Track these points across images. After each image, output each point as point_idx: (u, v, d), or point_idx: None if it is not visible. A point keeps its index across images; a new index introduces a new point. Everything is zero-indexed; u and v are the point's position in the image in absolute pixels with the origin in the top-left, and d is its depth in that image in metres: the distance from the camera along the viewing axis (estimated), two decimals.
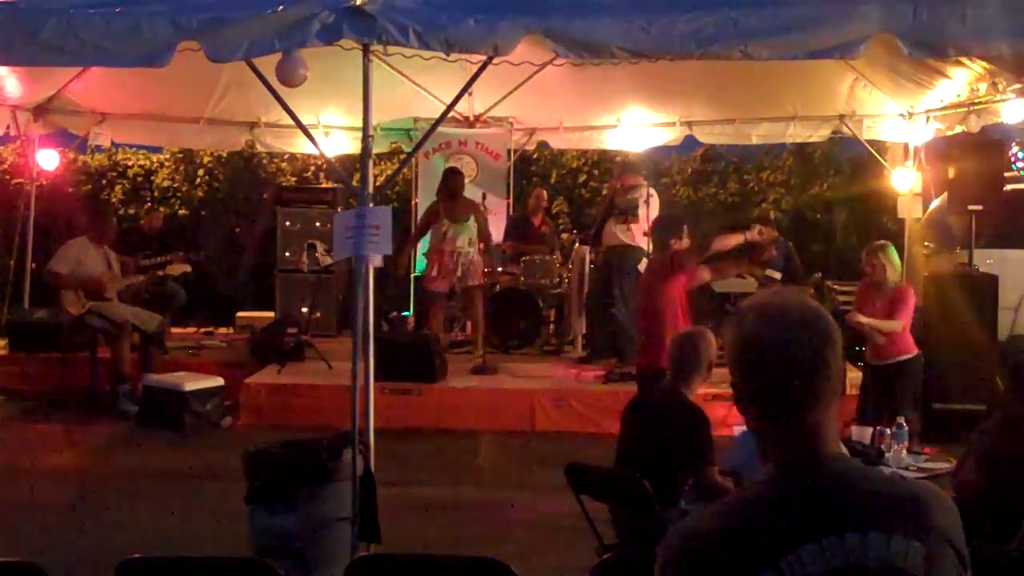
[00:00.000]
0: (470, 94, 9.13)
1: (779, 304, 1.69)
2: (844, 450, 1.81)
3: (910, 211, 10.35)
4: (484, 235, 9.23)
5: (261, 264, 12.16)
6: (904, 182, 10.31)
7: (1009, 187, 8.82)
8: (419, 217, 11.20)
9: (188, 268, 9.80)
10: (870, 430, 5.16)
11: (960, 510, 1.67)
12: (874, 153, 10.70)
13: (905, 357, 6.46)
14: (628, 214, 8.92)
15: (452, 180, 9.22)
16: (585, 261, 9.91)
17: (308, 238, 10.38)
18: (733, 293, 8.88)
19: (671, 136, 11.33)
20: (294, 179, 13.14)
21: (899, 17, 4.27)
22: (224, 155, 13.12)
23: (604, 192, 10.12)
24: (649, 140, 11.44)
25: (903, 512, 1.59)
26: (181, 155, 13.33)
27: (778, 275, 9.18)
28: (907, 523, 1.58)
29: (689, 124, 11.12)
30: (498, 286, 9.94)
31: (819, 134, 10.95)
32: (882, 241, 6.74)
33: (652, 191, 9.08)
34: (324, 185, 12.65)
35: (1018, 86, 7.51)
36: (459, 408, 8.10)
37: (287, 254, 10.97)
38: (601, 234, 9.21)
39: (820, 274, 10.70)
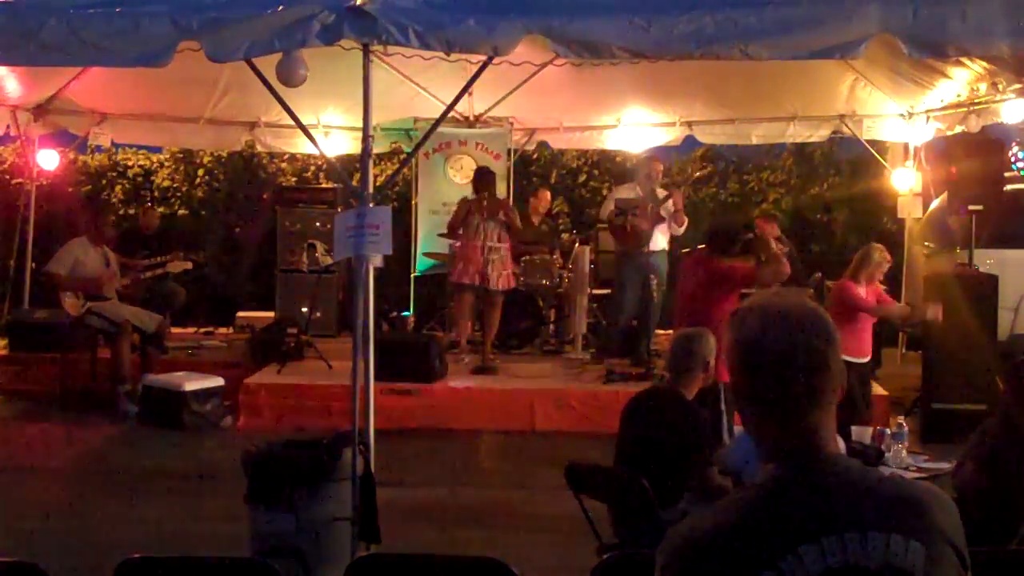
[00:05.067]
0: (470, 94, 9.13)
1: (780, 305, 1.69)
2: (843, 449, 1.82)
3: (910, 211, 10.36)
4: (512, 230, 9.06)
5: (261, 264, 12.16)
6: (904, 182, 10.31)
7: (1009, 187, 8.82)
8: (423, 217, 11.29)
9: (188, 265, 9.80)
10: (870, 430, 5.17)
11: (960, 510, 1.67)
12: (874, 153, 10.70)
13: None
14: (628, 213, 8.90)
15: (490, 178, 9.12)
16: (585, 261, 9.91)
17: (308, 238, 10.38)
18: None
19: (671, 136, 11.33)
20: (294, 179, 13.12)
21: (899, 17, 4.26)
22: (224, 155, 13.11)
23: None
24: (649, 140, 11.44)
25: (903, 512, 1.59)
26: (181, 155, 13.32)
27: None
28: (907, 523, 1.58)
29: (689, 124, 11.12)
30: None
31: (819, 134, 10.95)
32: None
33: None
34: (324, 185, 12.64)
35: (1018, 86, 7.52)
36: (459, 408, 8.09)
37: (287, 254, 10.97)
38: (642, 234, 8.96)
39: (820, 274, 10.68)
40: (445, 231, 9.46)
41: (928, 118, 9.56)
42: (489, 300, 8.99)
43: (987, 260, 8.41)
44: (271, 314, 10.79)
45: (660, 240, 9.03)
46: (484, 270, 8.77)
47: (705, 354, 4.56)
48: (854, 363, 6.51)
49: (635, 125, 11.29)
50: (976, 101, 8.34)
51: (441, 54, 4.53)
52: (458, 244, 9.09)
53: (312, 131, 6.35)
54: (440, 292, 10.87)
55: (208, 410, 8.10)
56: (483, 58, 4.59)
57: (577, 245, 10.23)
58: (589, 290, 9.91)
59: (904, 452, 4.97)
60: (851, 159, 12.75)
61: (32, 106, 10.19)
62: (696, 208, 12.92)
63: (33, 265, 10.53)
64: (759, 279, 6.17)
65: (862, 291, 6.73)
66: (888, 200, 11.20)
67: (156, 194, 13.30)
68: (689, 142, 11.65)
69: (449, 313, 10.38)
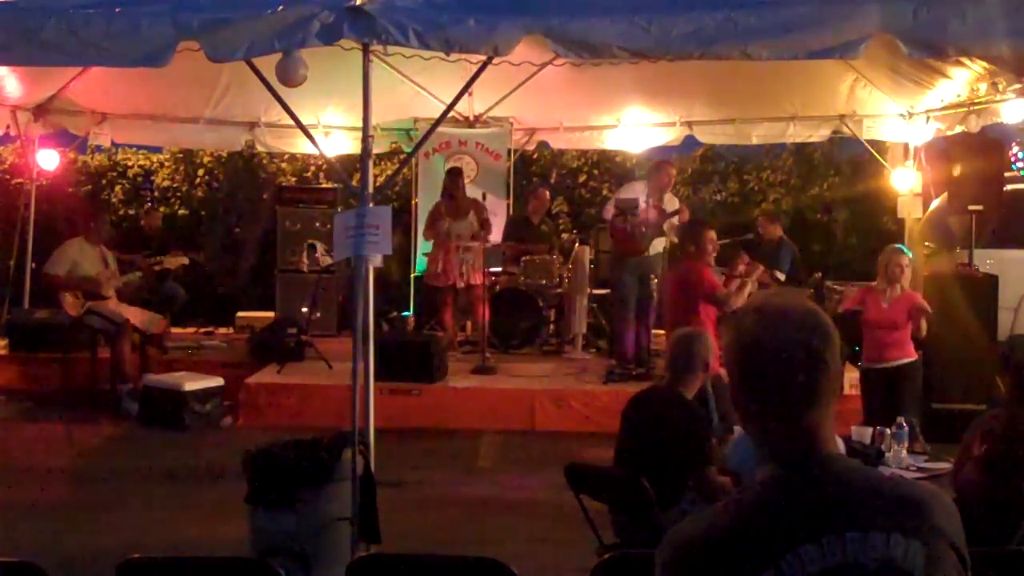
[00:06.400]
0: (470, 94, 9.12)
1: (778, 305, 1.70)
2: (842, 449, 1.82)
3: (910, 211, 10.35)
4: (485, 226, 9.48)
5: (261, 264, 12.16)
6: (904, 182, 10.30)
7: (1009, 187, 8.82)
8: (423, 217, 11.32)
9: (186, 260, 9.81)
10: (870, 430, 5.16)
11: (960, 510, 1.67)
12: (874, 153, 10.69)
13: (910, 359, 6.56)
14: (628, 213, 8.87)
15: (451, 179, 9.52)
16: (585, 261, 9.90)
17: (308, 238, 10.38)
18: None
19: (671, 136, 11.33)
20: (294, 179, 13.14)
21: (899, 17, 4.27)
22: (224, 155, 13.12)
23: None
24: (649, 140, 11.44)
25: (903, 512, 1.59)
26: (181, 155, 13.34)
27: (782, 276, 9.18)
28: (907, 523, 1.58)
29: (689, 124, 11.12)
30: (498, 286, 9.94)
31: (819, 134, 10.95)
32: (898, 245, 6.91)
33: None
34: (324, 185, 12.65)
35: (1018, 86, 7.51)
36: (459, 408, 8.10)
37: (287, 254, 10.98)
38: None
39: (820, 274, 10.69)
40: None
41: (928, 118, 9.55)
42: (471, 298, 9.09)
43: (987, 260, 8.41)
44: (271, 314, 10.79)
45: (657, 244, 9.01)
46: (460, 270, 8.94)
47: (705, 354, 4.56)
48: (887, 367, 6.51)
49: (635, 125, 11.29)
50: (976, 101, 8.33)
51: (441, 54, 4.53)
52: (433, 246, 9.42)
53: (312, 131, 6.35)
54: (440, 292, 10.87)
55: (208, 410, 8.10)
56: (483, 58, 4.59)
57: (577, 245, 10.23)
58: (589, 290, 9.91)
59: (904, 452, 4.96)
60: (851, 159, 12.76)
61: (32, 106, 10.19)
62: (695, 209, 12.92)
63: (33, 265, 10.53)
64: (716, 299, 6.33)
65: (880, 297, 6.56)
66: (888, 200, 11.19)
67: (156, 194, 13.31)
68: (689, 142, 11.65)
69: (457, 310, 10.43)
